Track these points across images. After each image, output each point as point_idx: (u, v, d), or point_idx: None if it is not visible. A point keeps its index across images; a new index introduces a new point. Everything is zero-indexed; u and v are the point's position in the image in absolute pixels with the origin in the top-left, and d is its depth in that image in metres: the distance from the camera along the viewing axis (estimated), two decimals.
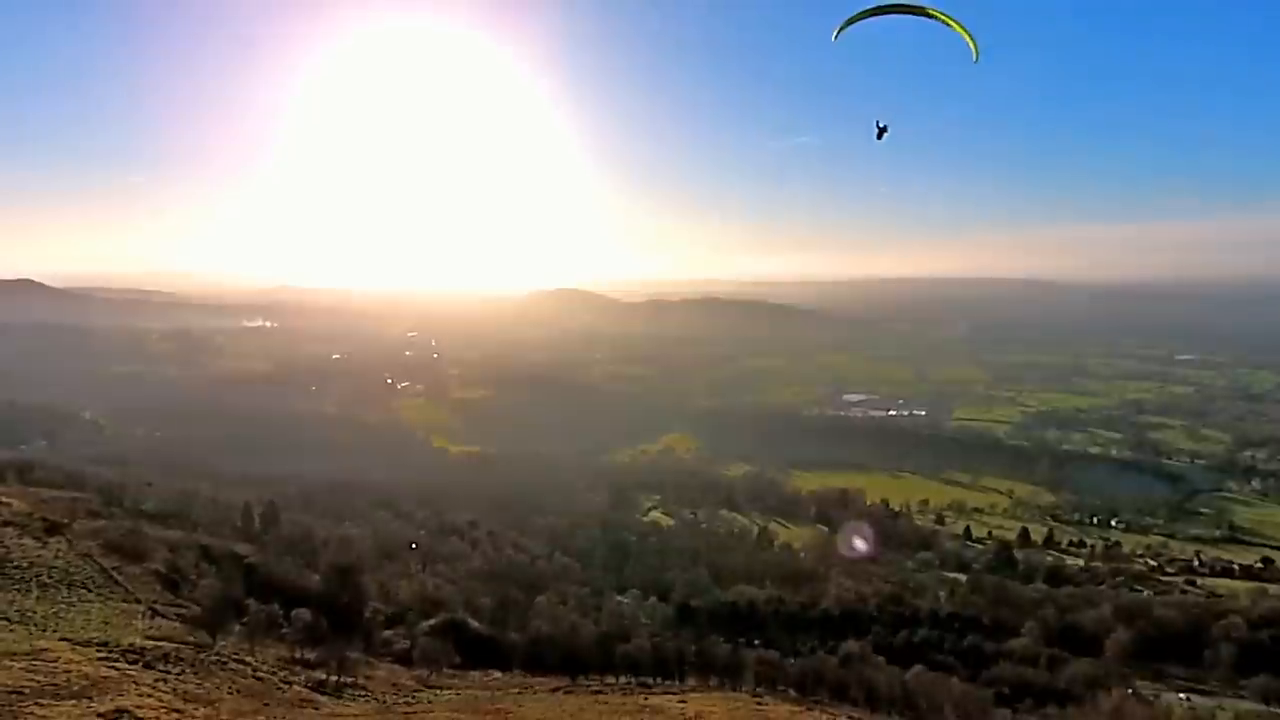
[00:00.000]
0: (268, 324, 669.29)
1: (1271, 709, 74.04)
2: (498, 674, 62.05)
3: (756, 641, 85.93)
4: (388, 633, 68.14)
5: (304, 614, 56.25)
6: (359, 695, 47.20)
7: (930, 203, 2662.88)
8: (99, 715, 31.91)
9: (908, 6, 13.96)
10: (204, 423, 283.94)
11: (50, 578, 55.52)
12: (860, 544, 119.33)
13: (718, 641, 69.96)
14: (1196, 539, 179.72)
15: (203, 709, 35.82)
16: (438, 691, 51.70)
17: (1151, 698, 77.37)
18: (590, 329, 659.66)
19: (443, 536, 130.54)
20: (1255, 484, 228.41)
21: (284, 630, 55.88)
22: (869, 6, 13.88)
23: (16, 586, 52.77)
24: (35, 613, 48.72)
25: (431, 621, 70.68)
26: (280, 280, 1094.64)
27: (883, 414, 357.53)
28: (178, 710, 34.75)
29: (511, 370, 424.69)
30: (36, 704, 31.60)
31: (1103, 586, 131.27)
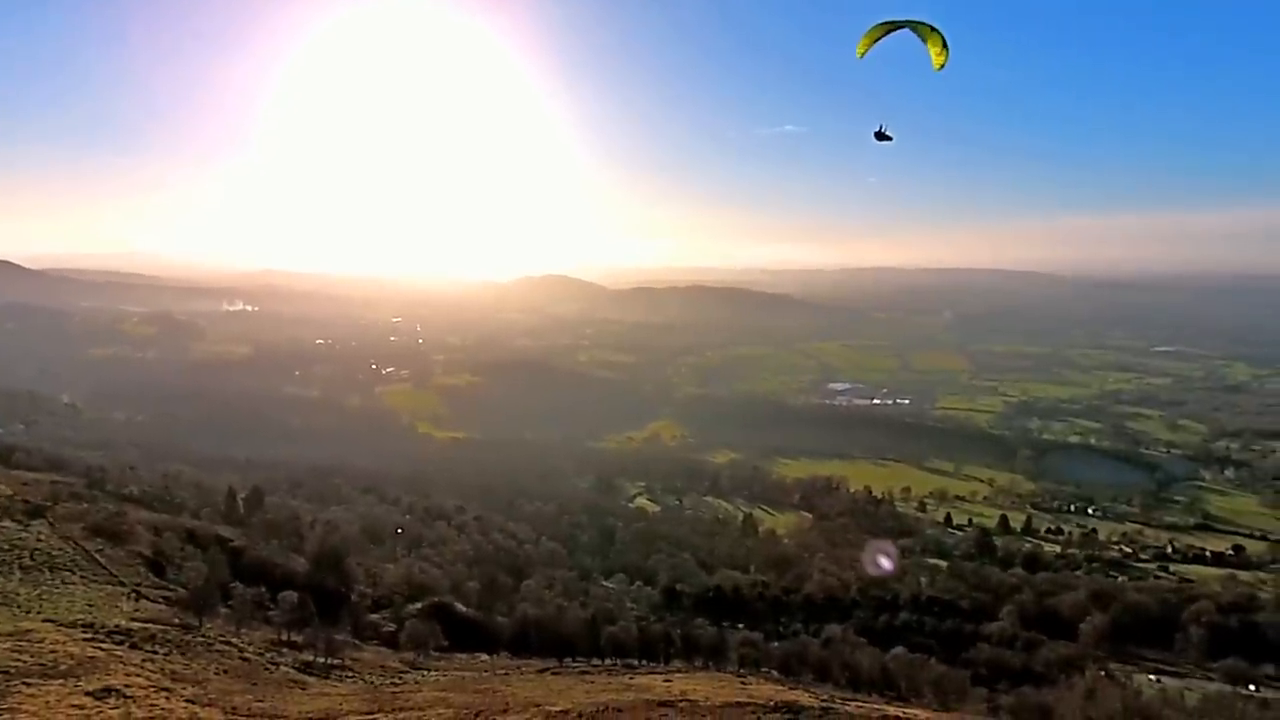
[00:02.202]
0: (249, 308, 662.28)
1: (1239, 690, 75.73)
2: (484, 656, 62.53)
3: (740, 625, 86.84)
4: (374, 616, 68.44)
5: (290, 596, 56.42)
6: (346, 676, 47.49)
7: (918, 193, 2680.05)
8: (87, 694, 32.07)
9: (912, 22, 13.92)
10: (186, 406, 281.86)
11: (33, 560, 55.30)
12: (885, 563, 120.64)
13: (703, 625, 70.76)
14: (1171, 527, 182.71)
15: (190, 688, 36.03)
16: (425, 673, 52.08)
17: (1124, 679, 79.05)
18: (577, 316, 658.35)
19: (429, 521, 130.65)
20: (1229, 473, 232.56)
21: (270, 613, 56.08)
22: (883, 21, 13.78)
23: None
24: (19, 595, 48.61)
25: (418, 605, 71.06)
26: (262, 264, 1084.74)
27: (867, 403, 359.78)
28: (166, 689, 34.93)
29: (497, 356, 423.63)
30: (25, 683, 31.73)
31: (1079, 572, 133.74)
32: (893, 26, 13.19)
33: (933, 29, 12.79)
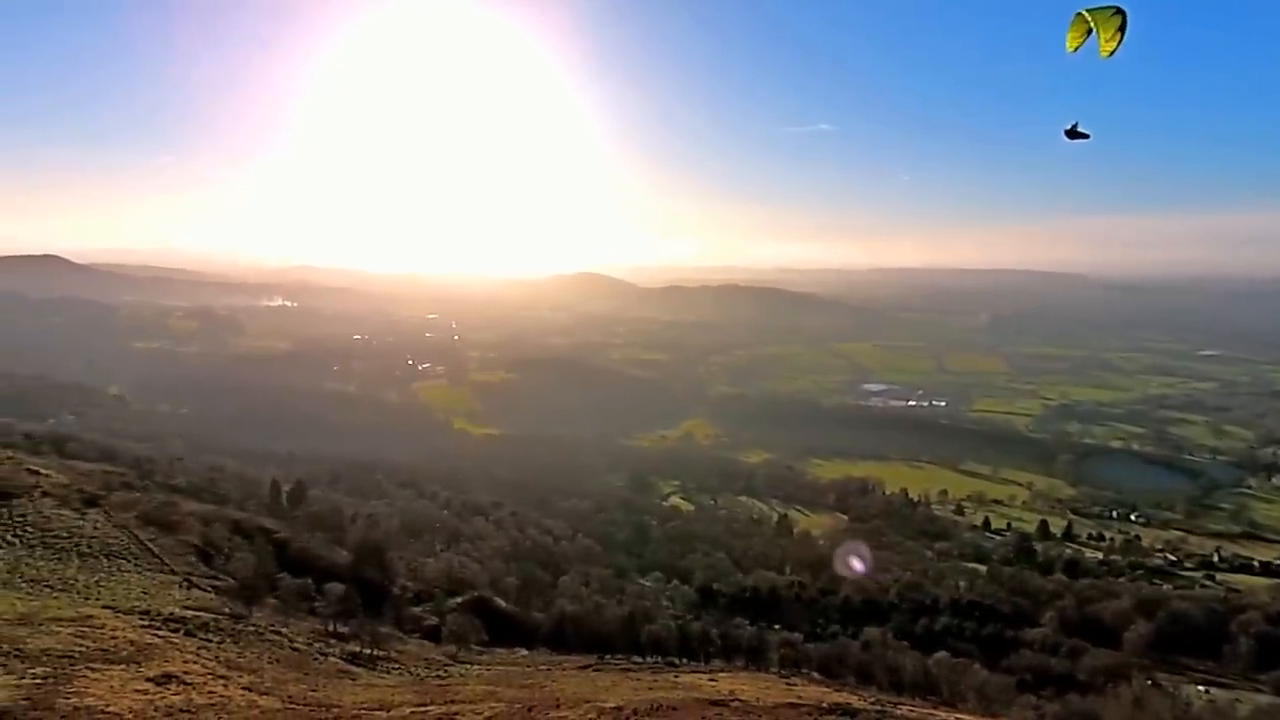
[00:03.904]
0: (288, 304, 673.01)
1: None
2: (523, 651, 62.88)
3: (777, 626, 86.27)
4: (416, 609, 69.10)
5: (337, 588, 57.25)
6: (393, 668, 48.06)
7: (947, 194, 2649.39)
8: (149, 679, 32.80)
9: (1109, 8, 13.08)
10: (228, 400, 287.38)
11: (89, 548, 56.76)
12: (857, 564, 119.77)
13: (742, 624, 70.44)
14: (1216, 534, 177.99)
15: (246, 676, 36.70)
16: (468, 666, 52.51)
17: (1171, 689, 77.33)
18: (609, 314, 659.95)
19: (466, 516, 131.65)
20: (1276, 480, 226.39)
21: (316, 604, 56.89)
22: (1083, 10, 13.03)
23: (57, 556, 54.07)
24: (77, 581, 49.94)
25: (458, 599, 71.71)
26: (298, 260, 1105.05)
27: (902, 404, 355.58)
28: (223, 677, 35.64)
29: (530, 354, 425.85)
30: (89, 668, 32.55)
31: (1121, 579, 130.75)
32: (1091, 19, 12.46)
33: (1116, 10, 12.16)
